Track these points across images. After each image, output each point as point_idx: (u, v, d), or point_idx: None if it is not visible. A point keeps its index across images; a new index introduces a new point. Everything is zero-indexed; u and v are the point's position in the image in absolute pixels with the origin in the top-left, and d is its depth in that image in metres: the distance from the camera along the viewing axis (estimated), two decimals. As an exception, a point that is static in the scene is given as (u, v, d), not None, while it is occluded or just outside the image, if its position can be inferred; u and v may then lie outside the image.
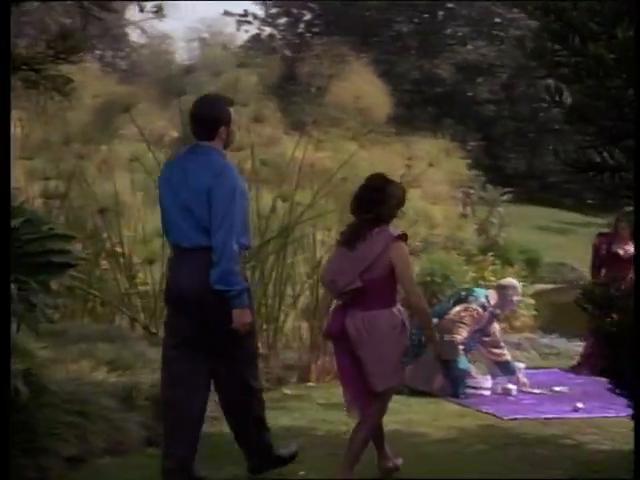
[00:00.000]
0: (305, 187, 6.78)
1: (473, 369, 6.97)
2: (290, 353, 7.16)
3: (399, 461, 4.40)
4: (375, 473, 4.40)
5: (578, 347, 9.99)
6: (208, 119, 3.88)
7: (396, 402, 6.28)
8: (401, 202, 4.21)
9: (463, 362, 6.81)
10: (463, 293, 7.17)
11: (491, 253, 12.94)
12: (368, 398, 4.10)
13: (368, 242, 4.00)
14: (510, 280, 7.56)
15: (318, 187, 6.62)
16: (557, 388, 7.23)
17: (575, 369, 8.29)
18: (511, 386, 7.02)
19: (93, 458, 4.11)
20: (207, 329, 3.78)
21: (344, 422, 5.47)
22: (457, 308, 6.85)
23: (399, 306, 4.11)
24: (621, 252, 8.14)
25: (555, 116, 32.10)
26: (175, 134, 6.67)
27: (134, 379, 4.83)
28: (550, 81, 4.18)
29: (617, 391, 3.92)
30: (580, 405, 6.38)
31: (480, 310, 6.90)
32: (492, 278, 10.89)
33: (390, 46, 31.04)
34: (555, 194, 28.22)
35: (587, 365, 8.23)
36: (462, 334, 6.74)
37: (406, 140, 7.05)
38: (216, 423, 4.81)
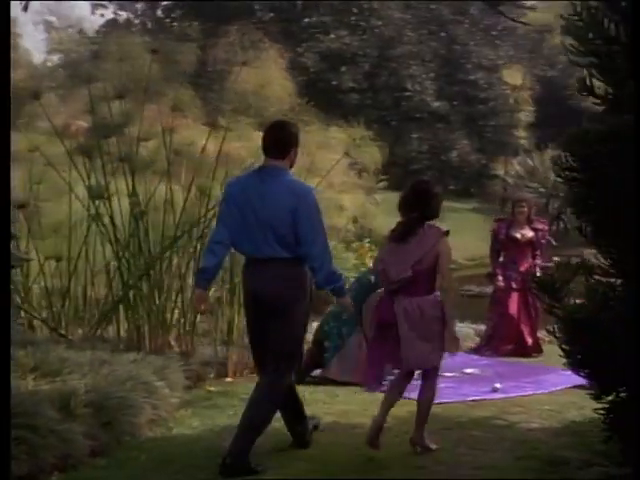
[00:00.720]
0: (222, 177, 6.56)
1: None
2: (206, 349, 6.96)
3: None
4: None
5: (469, 329, 10.43)
6: (283, 141, 4.41)
7: (322, 393, 6.33)
8: (441, 202, 4.77)
9: None
10: (373, 278, 6.98)
11: (367, 240, 13.13)
12: (404, 377, 4.90)
13: (419, 237, 4.56)
14: None
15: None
16: (468, 370, 7.42)
17: (478, 351, 8.56)
18: (430, 371, 7.12)
19: (44, 476, 3.79)
20: (279, 324, 4.34)
21: (277, 418, 5.41)
22: (377, 294, 6.84)
23: (437, 292, 4.64)
24: (518, 236, 8.48)
25: (417, 105, 33.37)
26: (82, 123, 6.29)
27: (67, 386, 4.51)
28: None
29: (581, 373, 4.00)
30: (498, 386, 6.59)
31: None
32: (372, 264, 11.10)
33: (253, 34, 30.76)
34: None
35: (489, 347, 8.55)
36: None
37: (318, 128, 6.96)
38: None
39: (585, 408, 5.94)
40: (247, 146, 6.63)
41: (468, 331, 10.69)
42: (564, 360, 8.47)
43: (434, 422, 5.55)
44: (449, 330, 4.69)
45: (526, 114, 29.30)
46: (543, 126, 30.32)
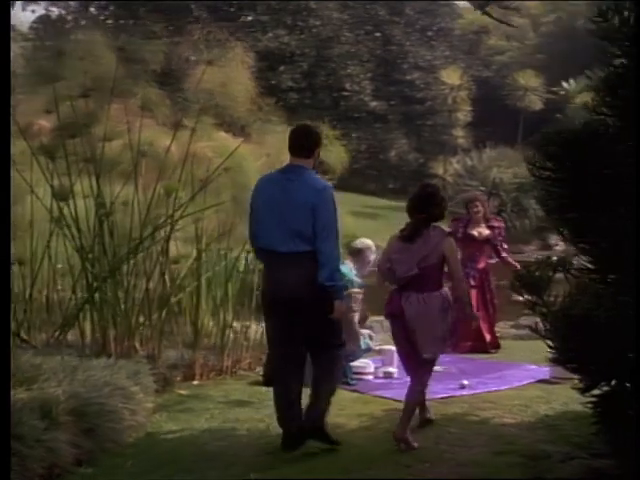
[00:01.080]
0: (187, 178, 6.47)
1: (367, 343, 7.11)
2: (170, 352, 6.85)
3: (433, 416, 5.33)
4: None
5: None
6: (309, 142, 4.69)
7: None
8: (446, 205, 5.06)
9: (364, 343, 6.88)
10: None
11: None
12: (418, 365, 5.03)
13: (425, 237, 4.86)
14: (362, 241, 7.14)
15: (203, 178, 6.34)
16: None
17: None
18: (392, 369, 7.16)
19: (33, 488, 3.67)
20: (302, 316, 4.53)
21: (259, 419, 5.37)
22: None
23: (446, 288, 4.95)
24: (476, 234, 8.59)
25: (355, 104, 33.53)
26: (44, 123, 6.11)
27: (45, 393, 4.38)
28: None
29: (568, 366, 4.07)
30: (466, 382, 6.65)
31: (359, 290, 6.83)
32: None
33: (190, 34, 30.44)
34: (359, 180, 29.27)
35: (449, 344, 8.62)
36: (355, 319, 6.71)
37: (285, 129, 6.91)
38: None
39: (553, 402, 6.10)
40: (212, 146, 6.55)
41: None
42: (523, 355, 8.62)
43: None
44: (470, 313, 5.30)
45: (464, 114, 29.75)
46: (480, 125, 30.89)
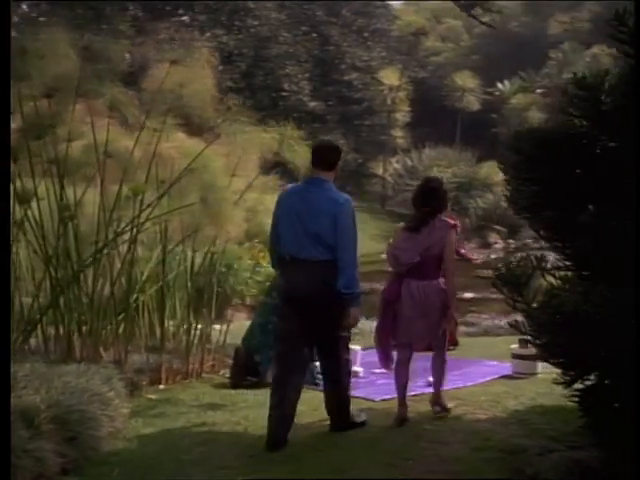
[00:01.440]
0: (151, 179, 6.37)
1: None
2: (134, 356, 6.74)
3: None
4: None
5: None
6: (332, 157, 4.96)
7: (263, 395, 6.23)
8: (448, 198, 5.41)
9: None
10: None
11: (257, 240, 13.13)
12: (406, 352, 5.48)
13: (430, 228, 5.16)
14: None
15: (170, 179, 6.26)
16: (393, 366, 7.53)
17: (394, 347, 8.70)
18: (357, 368, 7.19)
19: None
20: (315, 318, 4.82)
21: (236, 422, 5.33)
22: None
23: (442, 279, 5.22)
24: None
25: (294, 104, 33.52)
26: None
27: (25, 401, 4.26)
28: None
29: (552, 361, 4.16)
30: (432, 379, 6.71)
31: None
32: (265, 264, 11.12)
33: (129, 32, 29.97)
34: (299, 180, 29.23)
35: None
36: None
37: (252, 129, 6.88)
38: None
39: (521, 397, 6.20)
40: (176, 147, 6.47)
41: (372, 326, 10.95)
42: (477, 352, 8.73)
43: (386, 418, 5.65)
44: (450, 313, 5.31)
45: (403, 114, 30.06)
46: (419, 126, 31.25)
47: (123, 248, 6.42)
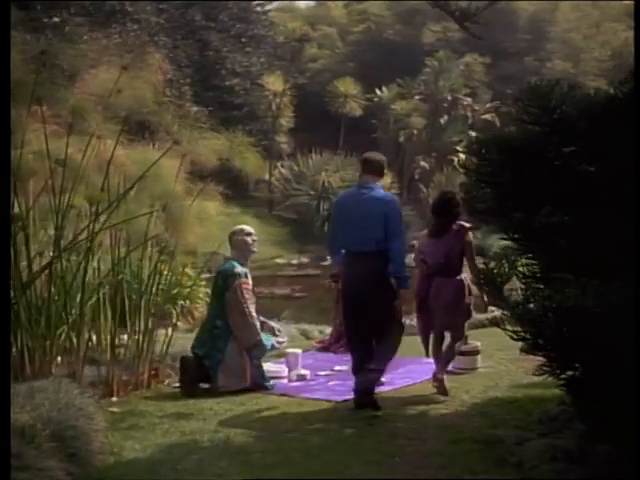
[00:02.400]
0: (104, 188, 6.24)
1: (275, 339, 7.15)
2: (86, 369, 6.55)
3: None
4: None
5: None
6: (381, 165, 5.98)
7: (226, 403, 6.22)
8: (461, 206, 5.88)
9: (267, 339, 6.88)
10: (220, 281, 6.69)
11: (157, 248, 12.94)
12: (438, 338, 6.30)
13: (451, 233, 6.01)
14: (237, 227, 7.07)
15: (125, 187, 6.15)
16: (337, 367, 7.66)
17: (328, 349, 8.83)
18: (304, 372, 7.28)
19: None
20: (372, 301, 5.73)
21: (214, 430, 5.30)
22: (230, 292, 6.56)
23: (465, 274, 6.02)
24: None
25: (175, 110, 32.92)
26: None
27: (17, 420, 4.11)
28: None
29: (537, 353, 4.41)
30: (384, 379, 6.88)
31: (248, 280, 6.68)
32: (165, 271, 10.99)
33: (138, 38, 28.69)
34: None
35: (342, 344, 8.83)
36: (252, 312, 6.59)
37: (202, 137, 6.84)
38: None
39: (472, 391, 6.48)
40: (127, 154, 6.36)
41: (291, 330, 11.07)
42: (408, 351, 8.95)
43: (356, 419, 5.71)
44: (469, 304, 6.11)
45: (287, 120, 30.29)
46: (302, 131, 31.54)
47: (78, 257, 6.23)
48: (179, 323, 9.73)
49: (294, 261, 25.41)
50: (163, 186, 6.12)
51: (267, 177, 29.89)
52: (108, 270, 6.50)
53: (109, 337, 6.74)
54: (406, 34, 36.46)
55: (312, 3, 47.61)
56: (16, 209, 5.81)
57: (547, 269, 4.77)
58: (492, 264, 4.80)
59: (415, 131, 30.08)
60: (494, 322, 4.82)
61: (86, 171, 6.19)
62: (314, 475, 4.47)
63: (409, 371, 7.51)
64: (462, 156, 32.33)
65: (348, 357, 8.23)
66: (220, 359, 6.63)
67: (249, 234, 6.96)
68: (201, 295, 11.87)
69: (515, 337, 4.66)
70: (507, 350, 7.03)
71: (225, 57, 34.69)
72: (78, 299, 6.31)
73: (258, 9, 38.53)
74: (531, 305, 4.49)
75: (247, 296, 6.62)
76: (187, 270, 9.78)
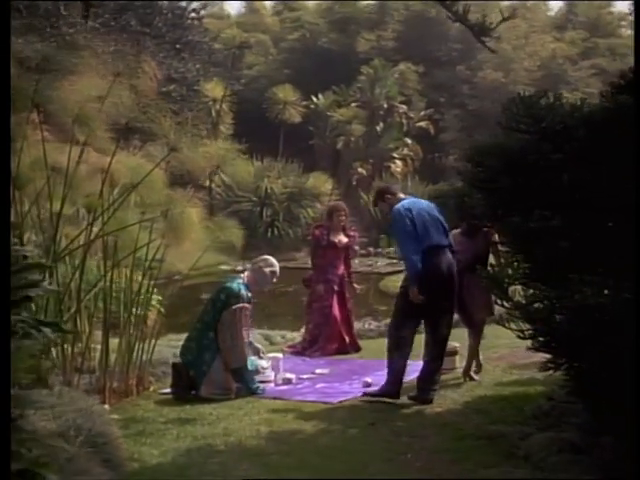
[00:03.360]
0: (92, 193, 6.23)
1: (259, 363, 7.18)
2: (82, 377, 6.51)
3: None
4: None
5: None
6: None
7: (224, 408, 6.26)
8: None
9: (251, 364, 6.93)
10: (222, 296, 6.81)
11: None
12: (473, 324, 7.04)
13: (480, 233, 6.77)
14: (264, 258, 7.21)
15: (116, 194, 6.16)
16: (319, 371, 7.78)
17: (303, 353, 8.93)
18: (290, 375, 7.38)
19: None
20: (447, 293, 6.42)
21: (223, 434, 5.36)
22: (228, 312, 6.68)
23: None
24: (337, 241, 9.05)
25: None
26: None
27: (48, 426, 4.11)
28: None
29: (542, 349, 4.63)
30: (369, 380, 7.04)
31: (248, 305, 6.85)
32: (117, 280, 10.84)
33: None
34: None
35: (316, 348, 8.96)
36: (244, 337, 6.71)
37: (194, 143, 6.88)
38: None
39: (458, 390, 6.70)
40: (119, 160, 6.38)
41: (255, 336, 11.11)
42: (383, 353, 9.07)
43: (354, 420, 5.84)
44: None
45: (226, 126, 30.20)
46: (237, 138, 31.38)
47: (67, 266, 6.20)
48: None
49: (239, 267, 25.36)
50: (157, 193, 6.14)
51: (207, 183, 29.72)
52: (100, 277, 6.47)
53: (100, 346, 6.71)
54: (341, 42, 36.72)
55: (242, 10, 47.39)
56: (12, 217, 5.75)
57: (543, 270, 5.02)
58: (497, 266, 5.04)
59: (352, 138, 30.37)
60: (499, 323, 5.01)
61: (77, 179, 6.16)
62: (338, 475, 4.59)
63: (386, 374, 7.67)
64: (398, 162, 33.05)
65: (324, 360, 8.48)
66: (205, 371, 6.66)
67: (273, 270, 7.06)
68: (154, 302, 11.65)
69: (522, 336, 4.91)
70: (481, 350, 7.29)
71: (161, 63, 34.32)
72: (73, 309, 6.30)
73: (193, 15, 38.28)
74: (536, 305, 4.76)
75: (244, 321, 6.70)
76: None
